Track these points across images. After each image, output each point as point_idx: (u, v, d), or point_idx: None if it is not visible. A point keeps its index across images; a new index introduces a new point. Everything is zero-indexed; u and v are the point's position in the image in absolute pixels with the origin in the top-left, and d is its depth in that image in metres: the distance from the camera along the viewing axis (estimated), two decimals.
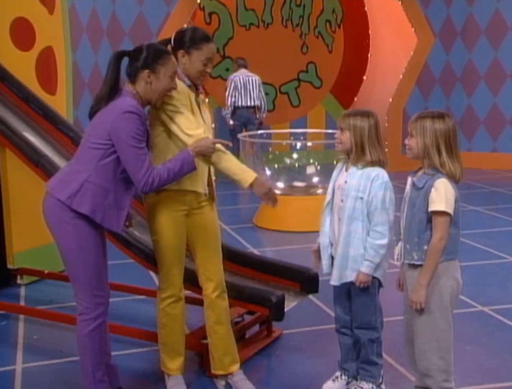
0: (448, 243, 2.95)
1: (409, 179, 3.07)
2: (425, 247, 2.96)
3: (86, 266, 3.16)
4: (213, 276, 3.57)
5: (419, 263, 2.99)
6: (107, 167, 3.11)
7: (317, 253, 3.48)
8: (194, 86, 3.48)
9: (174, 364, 3.60)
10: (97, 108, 3.17)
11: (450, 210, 2.91)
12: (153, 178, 3.11)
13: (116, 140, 3.07)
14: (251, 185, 3.34)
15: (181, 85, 3.37)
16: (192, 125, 3.32)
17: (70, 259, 3.19)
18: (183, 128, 3.30)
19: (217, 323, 3.60)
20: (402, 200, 3.12)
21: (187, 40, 3.42)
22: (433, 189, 2.91)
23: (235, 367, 3.64)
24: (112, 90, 3.18)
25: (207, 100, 3.62)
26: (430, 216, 2.94)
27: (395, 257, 3.13)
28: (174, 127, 3.32)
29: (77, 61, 8.51)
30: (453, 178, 2.94)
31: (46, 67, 5.49)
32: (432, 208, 2.91)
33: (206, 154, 3.30)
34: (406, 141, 3.04)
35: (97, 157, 3.11)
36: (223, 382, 3.68)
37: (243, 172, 3.37)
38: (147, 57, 3.18)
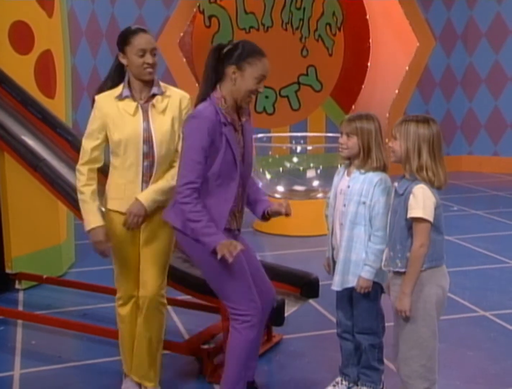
0: (431, 250, 2.89)
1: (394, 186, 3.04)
2: (408, 254, 2.91)
3: (233, 276, 3.05)
4: (148, 286, 3.39)
5: (403, 270, 2.93)
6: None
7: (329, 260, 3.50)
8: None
9: (125, 366, 3.58)
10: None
11: (429, 217, 2.85)
12: (189, 201, 2.96)
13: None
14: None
15: None
16: None
17: (213, 275, 3.10)
18: None
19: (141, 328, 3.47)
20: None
21: None
22: (411, 196, 2.87)
23: (147, 384, 3.48)
24: (208, 88, 3.05)
25: None
26: (411, 223, 2.89)
27: (383, 264, 3.09)
28: None
29: (76, 64, 8.49)
30: (431, 184, 2.88)
31: (45, 70, 5.46)
32: (410, 214, 2.86)
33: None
34: (390, 144, 2.98)
35: None
36: None
37: None
38: (239, 54, 3.01)
